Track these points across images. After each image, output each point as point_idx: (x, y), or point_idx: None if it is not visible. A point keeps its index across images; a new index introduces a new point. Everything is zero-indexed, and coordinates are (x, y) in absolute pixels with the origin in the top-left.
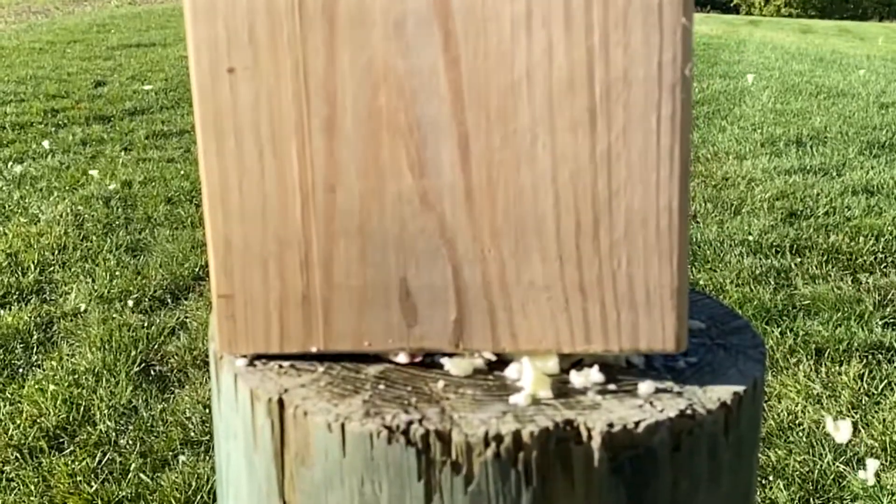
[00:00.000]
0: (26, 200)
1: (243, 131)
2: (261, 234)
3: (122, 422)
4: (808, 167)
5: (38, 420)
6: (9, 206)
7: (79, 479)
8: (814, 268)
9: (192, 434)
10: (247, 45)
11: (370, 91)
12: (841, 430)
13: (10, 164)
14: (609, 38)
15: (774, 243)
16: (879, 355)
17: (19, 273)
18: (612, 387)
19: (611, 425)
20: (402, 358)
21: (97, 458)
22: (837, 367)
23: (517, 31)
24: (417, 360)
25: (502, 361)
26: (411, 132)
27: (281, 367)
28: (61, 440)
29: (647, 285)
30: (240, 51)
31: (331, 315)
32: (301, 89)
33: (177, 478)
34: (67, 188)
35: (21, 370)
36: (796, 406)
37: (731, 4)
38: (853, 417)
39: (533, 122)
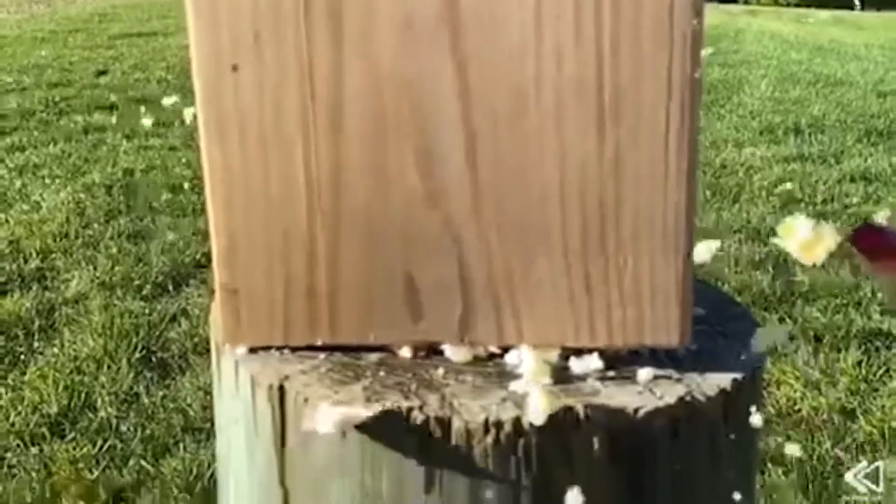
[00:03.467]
0: (28, 188)
1: (247, 129)
2: (265, 231)
3: (123, 408)
4: (806, 155)
5: (40, 406)
6: (10, 193)
7: (80, 465)
8: None
9: (194, 421)
10: (251, 41)
11: (376, 91)
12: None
13: (13, 152)
14: (619, 42)
15: (773, 230)
16: (878, 342)
17: (21, 260)
18: (611, 373)
19: (610, 412)
20: (406, 352)
21: (98, 445)
22: (836, 354)
23: (526, 35)
24: (421, 353)
25: (502, 347)
26: (418, 133)
27: (282, 353)
28: (62, 427)
29: (652, 283)
30: (244, 47)
31: (336, 310)
32: (306, 87)
33: (178, 464)
34: (69, 176)
35: (22, 357)
36: (795, 392)
37: None
38: (852, 404)
39: (541, 124)
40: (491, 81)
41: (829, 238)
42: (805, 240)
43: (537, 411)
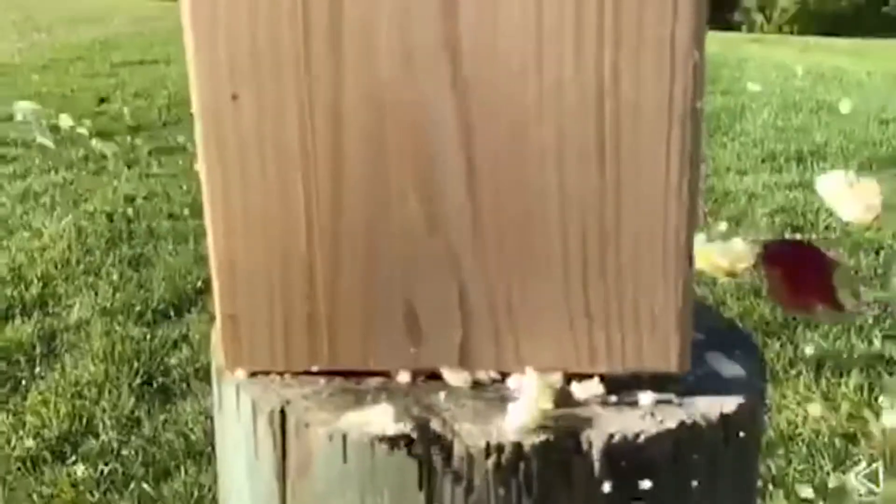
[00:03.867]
0: (29, 215)
1: (247, 158)
2: (265, 257)
3: (124, 433)
4: (808, 182)
5: (42, 431)
6: (12, 221)
7: (81, 489)
8: None
9: (195, 445)
10: (250, 71)
11: (376, 118)
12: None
13: (14, 179)
14: (620, 71)
15: None
16: (879, 367)
17: (23, 287)
18: (612, 398)
19: (611, 436)
20: (405, 376)
21: (99, 469)
22: (837, 379)
23: (527, 62)
24: (421, 378)
25: (502, 372)
26: (418, 159)
27: (283, 378)
28: (64, 451)
29: (652, 310)
30: (243, 77)
31: (335, 335)
32: (306, 116)
33: (179, 488)
34: (71, 203)
35: (24, 382)
36: (796, 417)
37: (734, 20)
38: (853, 428)
39: (541, 151)
40: (491, 108)
41: (745, 255)
42: (723, 260)
43: (514, 423)
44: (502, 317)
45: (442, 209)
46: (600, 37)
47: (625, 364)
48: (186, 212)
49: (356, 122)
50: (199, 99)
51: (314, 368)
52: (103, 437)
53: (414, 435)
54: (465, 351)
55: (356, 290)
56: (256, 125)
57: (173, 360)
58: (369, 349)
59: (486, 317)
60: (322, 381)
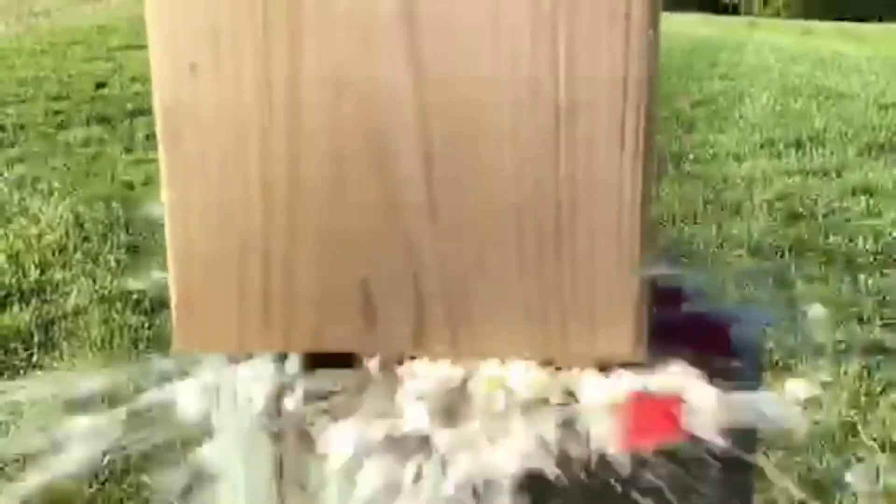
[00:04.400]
0: (27, 201)
1: (204, 130)
2: (220, 233)
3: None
4: (807, 168)
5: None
6: (10, 207)
7: (79, 479)
8: (813, 269)
9: (193, 434)
10: (208, 42)
11: (334, 96)
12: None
13: (12, 165)
14: (575, 50)
15: (774, 244)
16: (879, 356)
17: (20, 274)
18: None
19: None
20: (374, 363)
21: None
22: (836, 369)
23: (483, 42)
24: (396, 364)
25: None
26: (375, 138)
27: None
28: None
29: (608, 296)
30: (201, 48)
31: (291, 315)
32: (264, 90)
33: (177, 478)
34: (68, 189)
35: (22, 371)
36: None
37: (731, 4)
38: (852, 418)
39: (497, 133)
40: (448, 88)
41: None
42: None
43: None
44: (457, 301)
45: (398, 188)
46: (555, 13)
47: (581, 350)
48: None
49: (314, 97)
50: (157, 68)
51: (272, 349)
52: None
53: (375, 434)
54: (419, 334)
55: (311, 269)
56: (215, 97)
57: (171, 348)
58: (325, 330)
59: (439, 301)
60: (316, 368)
